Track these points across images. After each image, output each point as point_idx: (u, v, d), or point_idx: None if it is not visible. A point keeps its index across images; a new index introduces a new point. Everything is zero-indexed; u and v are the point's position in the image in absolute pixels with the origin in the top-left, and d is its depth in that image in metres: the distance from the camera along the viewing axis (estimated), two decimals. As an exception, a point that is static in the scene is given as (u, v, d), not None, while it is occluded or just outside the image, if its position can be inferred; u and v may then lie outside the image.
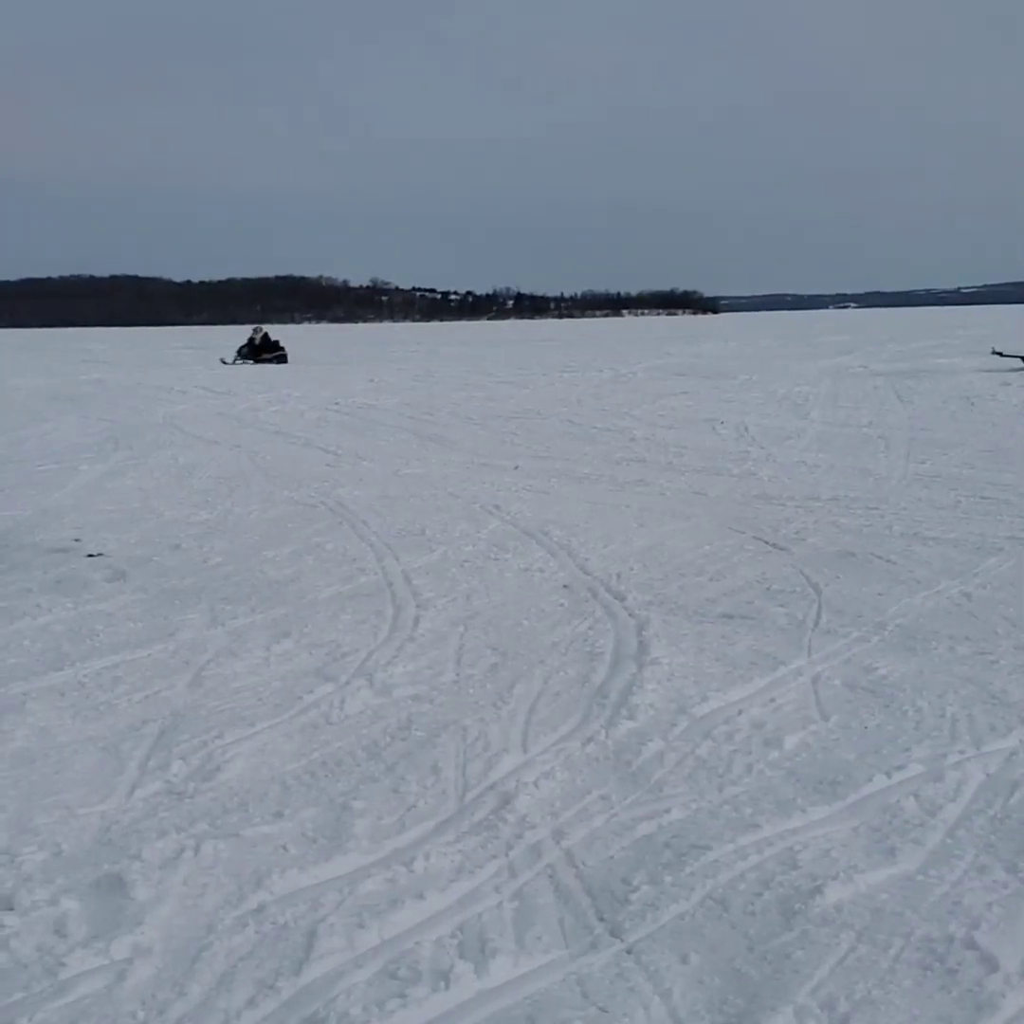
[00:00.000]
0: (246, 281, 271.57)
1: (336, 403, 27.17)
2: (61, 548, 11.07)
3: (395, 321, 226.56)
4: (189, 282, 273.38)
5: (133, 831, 5.03)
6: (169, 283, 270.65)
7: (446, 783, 5.44)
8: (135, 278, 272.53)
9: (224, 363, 48.84)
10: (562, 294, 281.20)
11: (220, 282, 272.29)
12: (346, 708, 6.48)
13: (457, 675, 7.02)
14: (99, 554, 10.77)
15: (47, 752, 5.94)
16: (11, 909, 4.34)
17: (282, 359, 49.11)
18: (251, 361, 48.69)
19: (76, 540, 11.42)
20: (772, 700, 6.39)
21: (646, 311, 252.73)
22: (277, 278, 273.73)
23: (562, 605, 8.57)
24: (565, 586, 9.11)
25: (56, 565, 10.31)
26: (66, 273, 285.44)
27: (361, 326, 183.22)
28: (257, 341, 50.06)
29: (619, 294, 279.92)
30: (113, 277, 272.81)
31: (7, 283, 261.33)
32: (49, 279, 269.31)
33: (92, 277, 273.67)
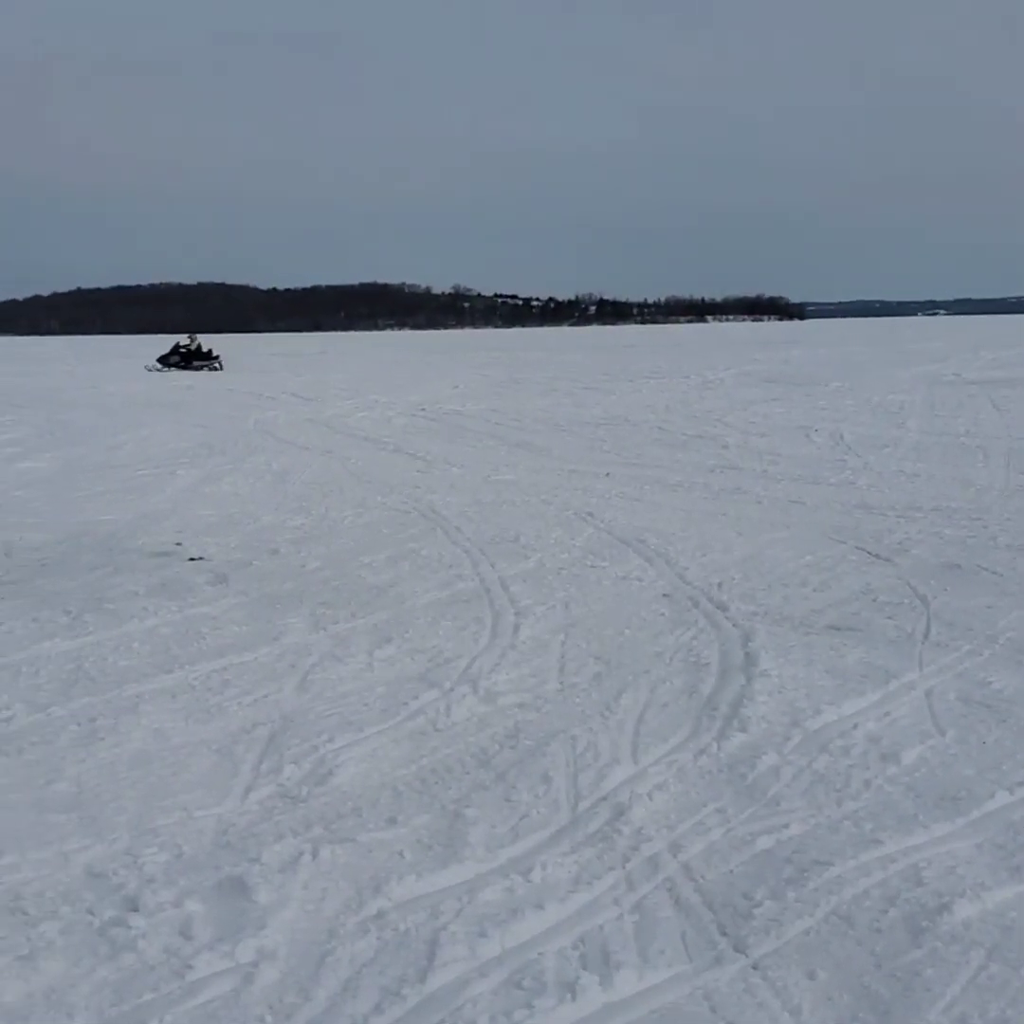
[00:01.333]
0: (330, 288, 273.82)
1: (422, 409, 27.30)
2: (163, 552, 11.21)
3: (476, 328, 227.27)
4: (275, 289, 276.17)
5: (250, 834, 5.07)
6: (255, 290, 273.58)
7: (558, 793, 5.42)
8: (222, 285, 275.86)
9: (149, 370, 49.80)
10: (645, 300, 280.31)
11: (305, 289, 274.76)
12: (452, 715, 6.49)
13: (561, 684, 7.01)
14: (200, 558, 10.90)
15: (163, 754, 6.02)
16: (136, 910, 4.39)
17: (216, 367, 50.16)
18: (182, 368, 49.45)
19: (177, 544, 11.56)
20: (887, 714, 6.31)
21: (730, 317, 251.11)
22: (361, 285, 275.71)
23: (663, 614, 8.53)
24: (665, 595, 9.07)
25: (159, 568, 10.44)
26: (155, 280, 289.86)
27: (443, 332, 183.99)
28: (193, 348, 50.90)
29: (703, 300, 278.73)
30: (201, 284, 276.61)
31: (99, 290, 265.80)
32: (139, 286, 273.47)
33: (181, 284, 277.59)
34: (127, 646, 7.99)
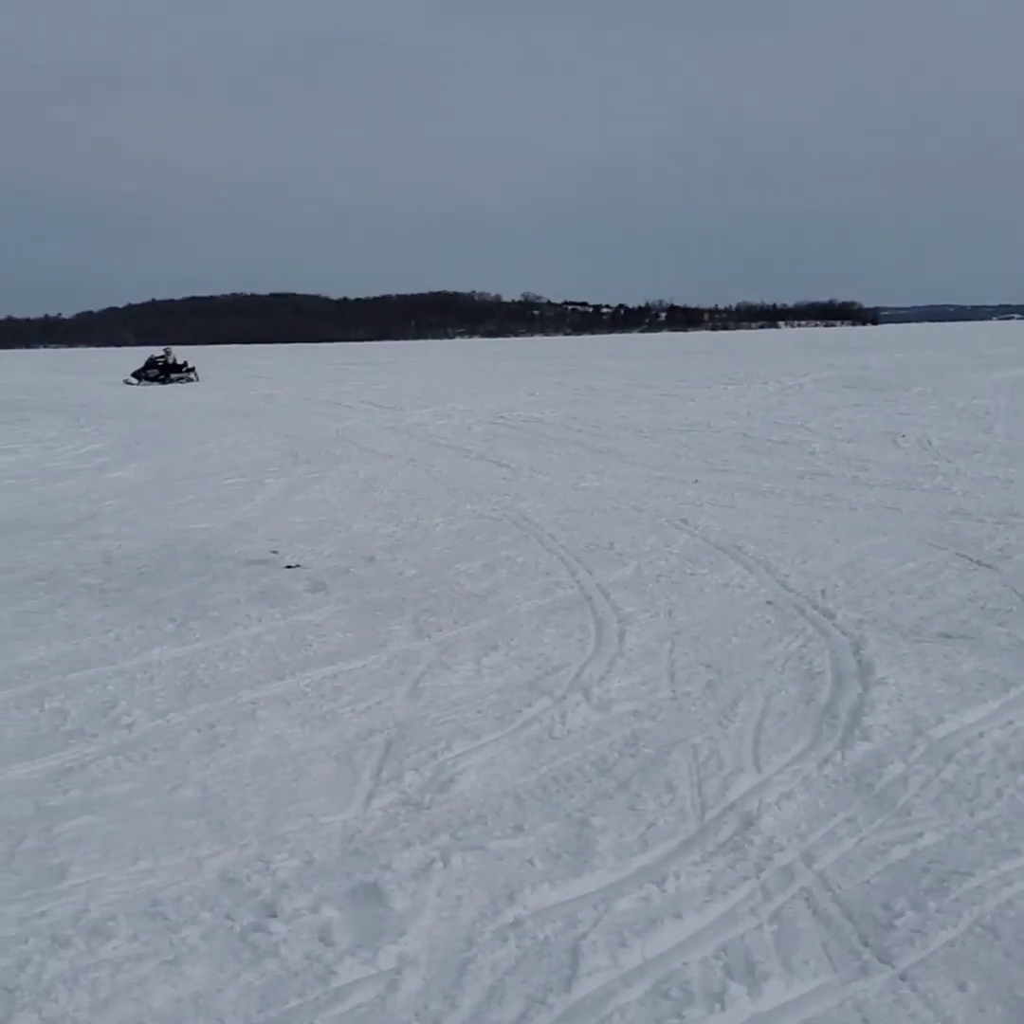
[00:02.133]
0: (401, 297, 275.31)
1: (501, 417, 27.31)
2: (259, 560, 11.30)
3: (546, 335, 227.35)
4: (345, 299, 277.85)
5: (378, 841, 5.09)
6: (326, 300, 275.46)
7: (683, 801, 5.40)
8: (293, 296, 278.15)
9: (128, 383, 49.12)
10: (716, 305, 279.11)
11: (375, 299, 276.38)
12: (568, 723, 6.48)
13: (674, 692, 6.98)
14: (297, 566, 10.97)
15: (283, 760, 6.06)
16: (274, 916, 4.41)
17: (191, 379, 49.68)
18: (160, 382, 48.54)
19: (273, 552, 11.65)
20: (1010, 723, 6.23)
21: (803, 322, 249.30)
22: (431, 294, 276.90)
23: (769, 622, 8.47)
24: (769, 602, 9.01)
25: (258, 576, 10.52)
26: (228, 291, 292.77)
27: (513, 340, 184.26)
28: (169, 361, 50.18)
29: (775, 305, 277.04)
30: (273, 295, 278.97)
31: (173, 302, 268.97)
32: (212, 298, 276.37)
33: (253, 295, 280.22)
34: (236, 653, 8.05)
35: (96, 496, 16.22)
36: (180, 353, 53.18)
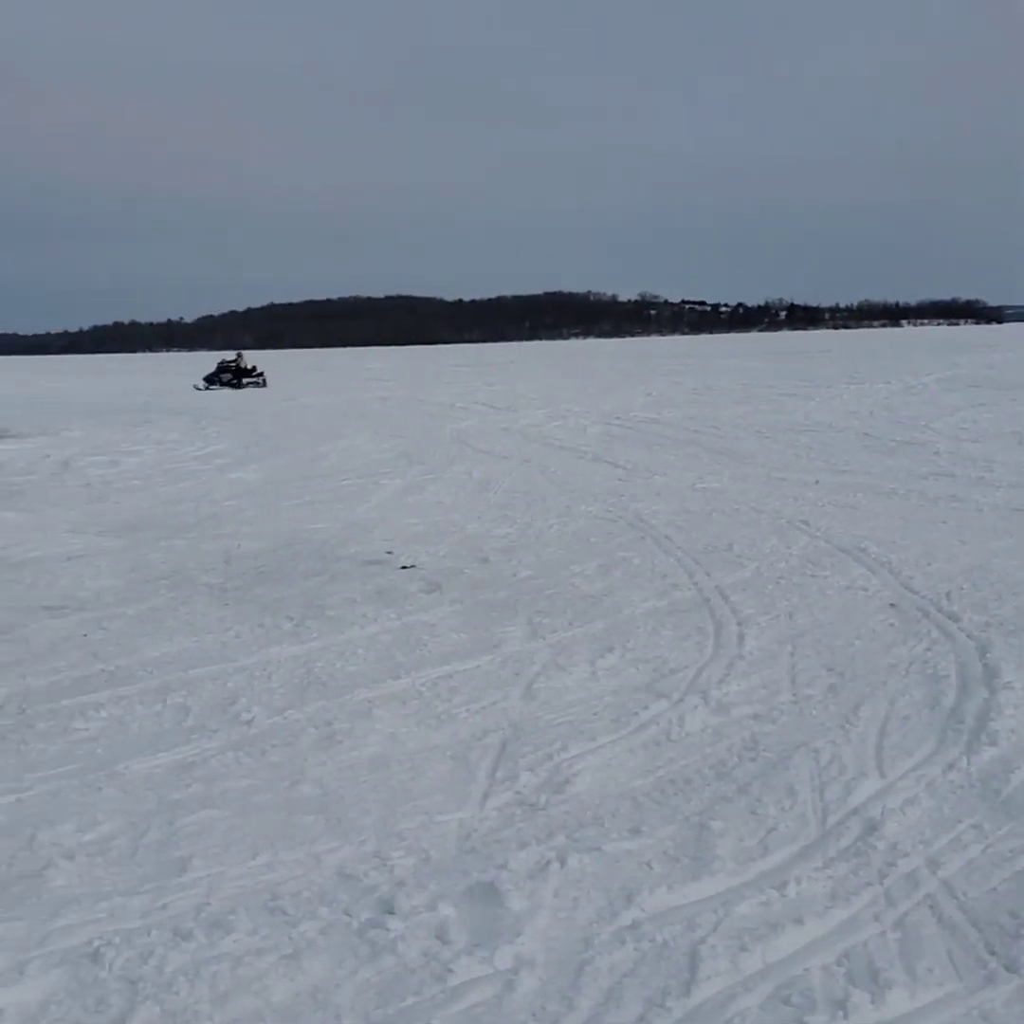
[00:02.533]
0: (516, 298, 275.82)
1: (617, 417, 27.24)
2: (375, 560, 11.37)
3: (663, 335, 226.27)
4: (460, 300, 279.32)
5: (494, 840, 5.08)
6: (440, 302, 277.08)
7: (804, 806, 5.31)
8: (408, 298, 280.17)
9: (197, 389, 49.03)
10: (837, 304, 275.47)
11: (490, 300, 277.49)
12: (686, 726, 6.42)
13: (795, 695, 6.88)
14: (412, 566, 11.02)
15: (400, 758, 6.08)
16: (392, 913, 4.42)
17: (260, 384, 49.98)
18: (232, 386, 49.22)
19: (388, 552, 11.71)
20: None
21: (926, 321, 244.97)
22: (546, 294, 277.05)
23: (892, 625, 8.31)
24: (892, 605, 8.85)
25: (374, 576, 10.59)
26: (344, 294, 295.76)
27: (629, 340, 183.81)
28: (240, 366, 50.85)
29: (897, 304, 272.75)
30: (388, 297, 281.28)
31: (291, 305, 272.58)
32: (328, 301, 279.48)
33: (369, 298, 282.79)
34: (352, 652, 8.11)
35: (216, 496, 16.47)
36: (252, 357, 53.88)
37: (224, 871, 4.79)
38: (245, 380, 50.02)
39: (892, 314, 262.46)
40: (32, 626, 9.03)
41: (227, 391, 48.01)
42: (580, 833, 5.12)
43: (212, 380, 50.00)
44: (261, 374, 50.63)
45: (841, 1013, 3.73)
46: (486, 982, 3.97)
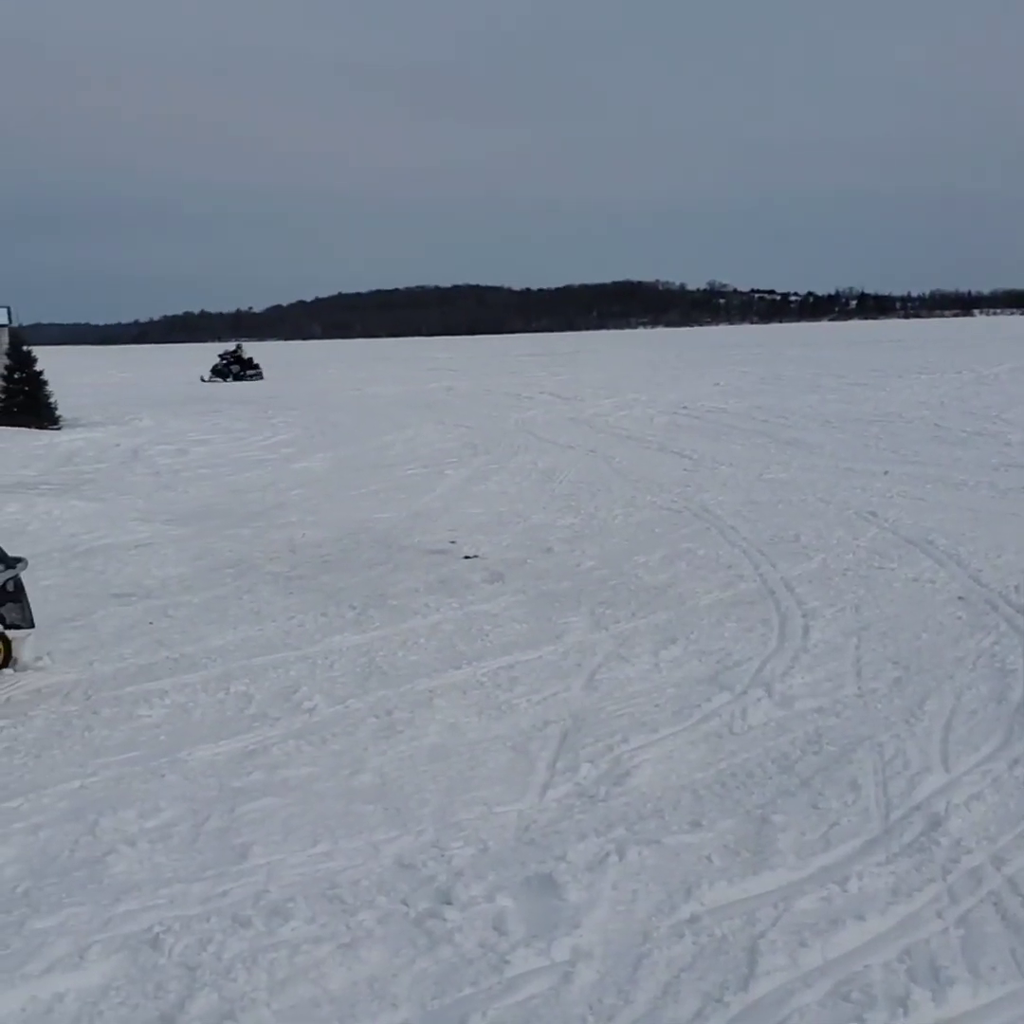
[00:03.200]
0: (583, 288, 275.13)
1: (684, 407, 27.11)
2: (439, 549, 11.38)
3: (732, 324, 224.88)
4: (528, 290, 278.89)
5: (553, 832, 5.06)
6: (508, 292, 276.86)
7: (868, 801, 5.25)
8: (476, 287, 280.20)
9: (204, 381, 48.04)
10: (908, 293, 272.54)
11: (558, 289, 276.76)
12: (748, 718, 6.37)
13: (860, 688, 6.80)
14: (475, 556, 11.02)
15: (460, 749, 6.08)
16: (449, 903, 4.42)
17: (258, 376, 49.27)
18: (236, 378, 48.58)
19: (452, 542, 11.72)
20: None
21: (999, 311, 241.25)
22: (613, 284, 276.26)
23: (960, 618, 8.21)
24: (960, 598, 8.73)
25: (437, 566, 10.60)
26: (411, 284, 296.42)
27: (697, 329, 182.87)
28: (241, 357, 50.24)
29: (969, 293, 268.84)
30: (456, 287, 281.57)
31: (359, 295, 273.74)
32: (396, 291, 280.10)
33: (436, 287, 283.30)
34: (414, 641, 8.12)
35: (282, 485, 16.57)
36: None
37: (283, 859, 4.82)
38: (247, 372, 49.67)
39: (964, 303, 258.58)
40: (100, 613, 9.13)
41: (236, 383, 47.82)
42: (640, 825, 5.10)
43: (223, 374, 49.44)
44: (258, 366, 50.38)
45: (901, 1011, 3.68)
46: (543, 974, 3.95)
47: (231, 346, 52.85)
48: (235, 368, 49.65)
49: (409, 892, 4.52)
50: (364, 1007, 3.79)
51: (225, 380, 48.80)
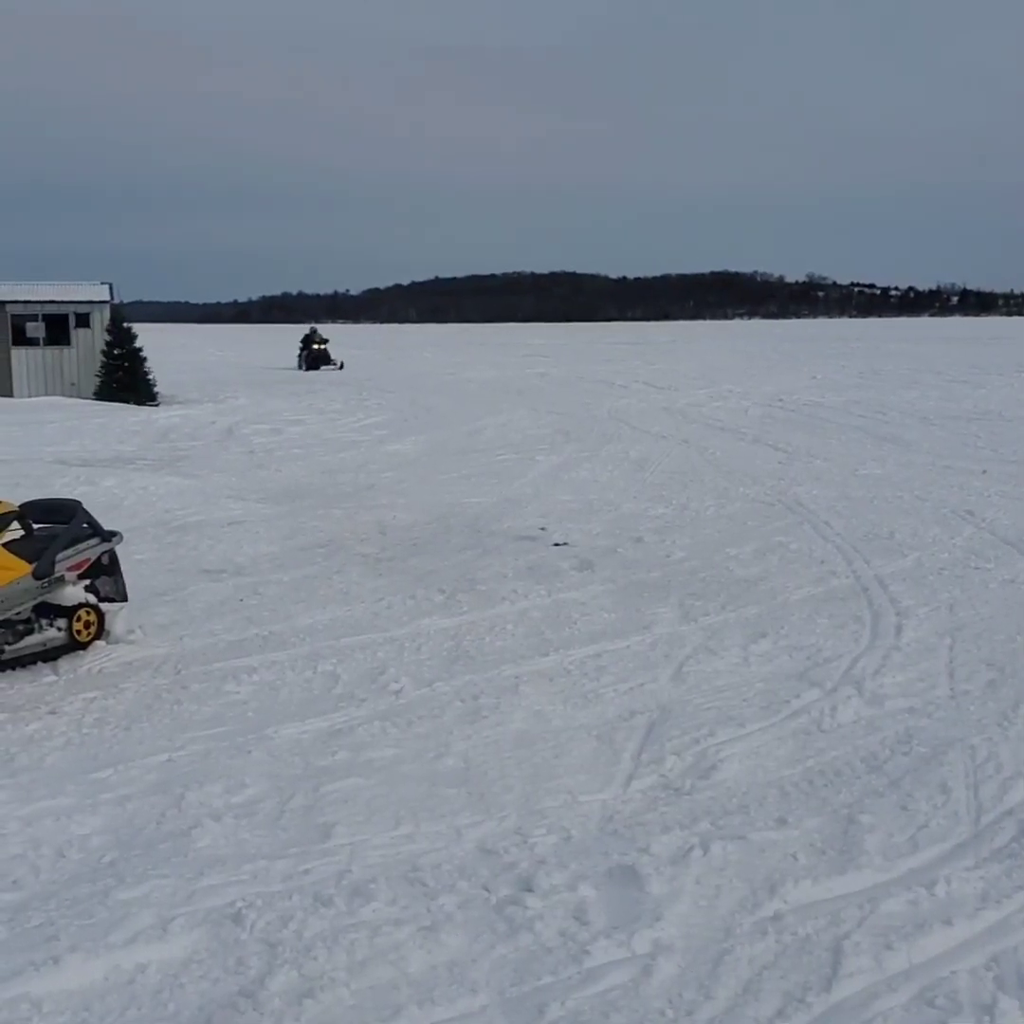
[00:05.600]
0: (680, 277, 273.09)
1: (780, 400, 26.87)
2: (528, 536, 11.37)
3: (830, 317, 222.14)
4: (624, 278, 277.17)
5: (637, 823, 5.03)
6: (605, 279, 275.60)
7: (957, 804, 5.16)
8: (572, 274, 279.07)
9: (302, 370, 43.60)
10: (1012, 290, 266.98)
11: (655, 278, 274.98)
12: (838, 716, 6.29)
13: (952, 690, 6.69)
14: (564, 543, 10.99)
15: (544, 736, 6.06)
16: (530, 890, 4.40)
17: (334, 366, 44.58)
18: (304, 368, 44.34)
19: (541, 529, 11.71)
20: None
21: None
22: (711, 274, 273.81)
23: (1057, 621, 8.05)
24: (1058, 601, 8.56)
25: (526, 552, 10.59)
26: (507, 269, 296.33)
27: (795, 322, 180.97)
28: (316, 345, 45.31)
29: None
30: (551, 273, 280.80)
31: (455, 280, 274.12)
32: (492, 276, 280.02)
33: (532, 273, 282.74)
34: (501, 627, 8.12)
35: (374, 467, 16.66)
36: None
37: (367, 839, 4.83)
38: (322, 365, 44.57)
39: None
40: (191, 589, 9.24)
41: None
42: (725, 820, 5.05)
43: (312, 364, 44.65)
44: (335, 361, 44.79)
45: (987, 1019, 3.61)
46: (623, 966, 3.92)
47: (306, 328, 48.45)
48: (305, 353, 45.37)
49: (490, 878, 4.52)
50: (442, 991, 3.78)
51: (300, 369, 44.76)
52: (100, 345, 28.29)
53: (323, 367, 44.60)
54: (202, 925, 4.15)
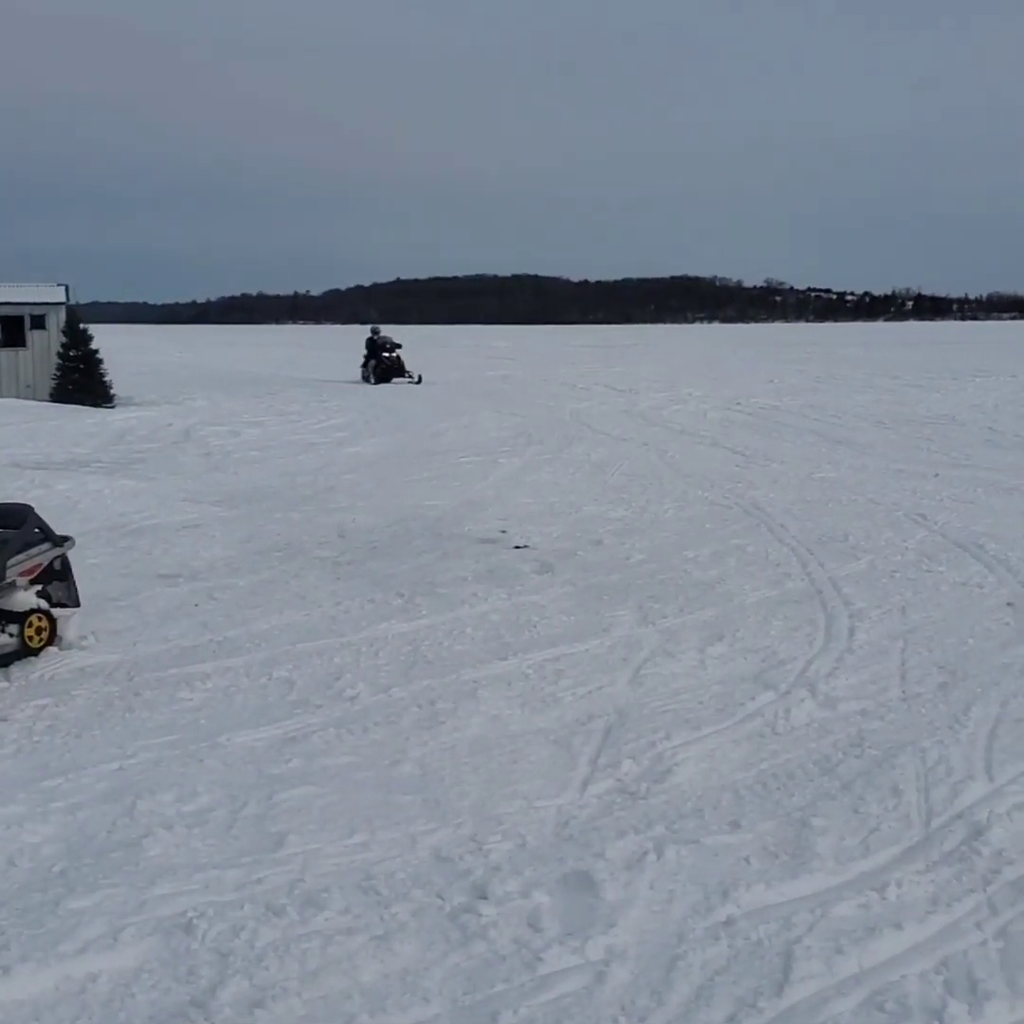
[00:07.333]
0: (642, 281, 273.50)
1: (738, 403, 26.98)
2: (489, 538, 11.37)
3: (788, 322, 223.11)
4: (586, 281, 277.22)
5: (592, 828, 5.04)
6: (567, 283, 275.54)
7: (909, 807, 5.19)
8: (535, 277, 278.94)
9: (369, 383, 36.10)
10: (965, 295, 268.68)
11: (616, 282, 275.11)
12: (791, 719, 6.32)
13: (904, 692, 6.74)
14: (525, 546, 11.00)
15: (502, 741, 6.06)
16: (485, 898, 4.40)
17: (408, 377, 36.62)
18: (373, 380, 36.63)
19: (502, 531, 11.71)
20: None
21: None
22: (672, 278, 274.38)
23: (1008, 624, 8.12)
24: (1009, 604, 8.64)
25: (486, 555, 10.59)
26: (470, 272, 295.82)
27: (754, 326, 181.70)
28: (385, 352, 37.54)
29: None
30: (514, 276, 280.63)
31: (417, 281, 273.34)
32: (454, 278, 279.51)
33: (495, 276, 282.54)
34: (460, 631, 8.11)
35: (334, 470, 16.61)
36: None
37: (320, 848, 4.81)
38: (394, 378, 36.37)
39: (1022, 306, 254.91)
40: (145, 594, 9.18)
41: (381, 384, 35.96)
42: (679, 824, 5.06)
43: (383, 377, 36.64)
44: (410, 373, 36.79)
45: (937, 1023, 3.63)
46: (576, 973, 3.93)
47: (378, 332, 39.35)
48: (372, 362, 37.44)
49: (445, 886, 4.51)
50: (395, 1000, 3.78)
51: (367, 382, 36.96)
52: (56, 347, 28.04)
53: (395, 380, 36.45)
54: (153, 934, 4.13)
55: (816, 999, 3.77)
